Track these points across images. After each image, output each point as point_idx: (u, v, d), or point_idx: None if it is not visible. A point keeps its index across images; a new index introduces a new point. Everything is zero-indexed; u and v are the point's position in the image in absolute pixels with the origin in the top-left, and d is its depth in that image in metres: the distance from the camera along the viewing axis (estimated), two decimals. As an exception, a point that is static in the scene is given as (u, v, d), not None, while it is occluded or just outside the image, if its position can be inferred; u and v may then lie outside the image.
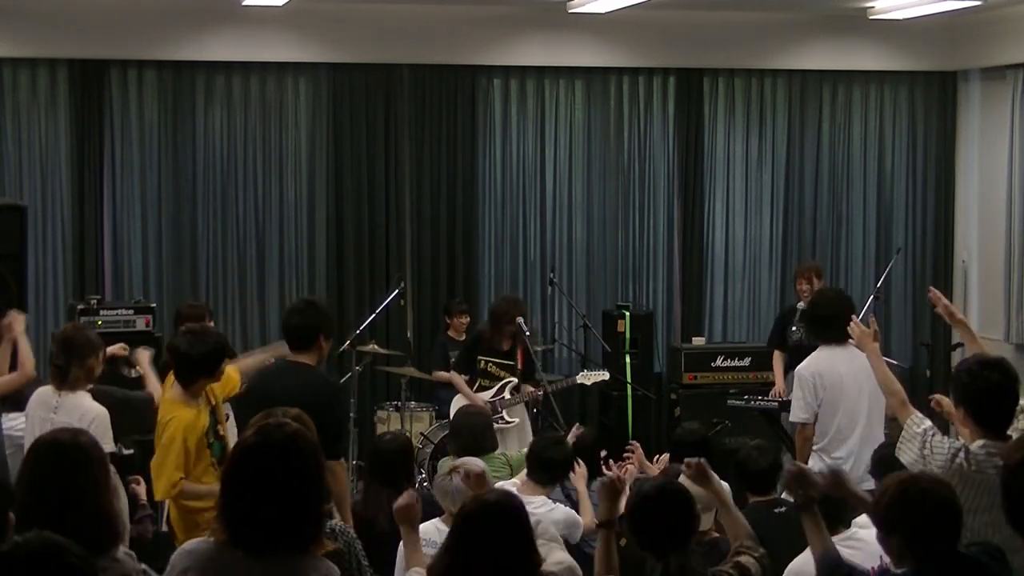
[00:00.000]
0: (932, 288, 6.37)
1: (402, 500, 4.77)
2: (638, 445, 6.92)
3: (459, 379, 8.99)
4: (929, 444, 4.79)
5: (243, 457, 3.46)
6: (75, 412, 5.93)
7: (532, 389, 8.95)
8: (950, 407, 5.22)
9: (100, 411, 5.99)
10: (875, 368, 5.48)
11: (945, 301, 5.99)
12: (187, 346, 5.79)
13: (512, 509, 3.91)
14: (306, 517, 3.40)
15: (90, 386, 6.27)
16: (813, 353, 7.03)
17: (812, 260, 10.52)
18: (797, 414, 7.01)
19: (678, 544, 4.19)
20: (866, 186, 11.64)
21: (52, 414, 5.98)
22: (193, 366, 5.79)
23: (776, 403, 9.52)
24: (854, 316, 6.04)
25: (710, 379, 10.73)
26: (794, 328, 9.50)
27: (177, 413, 5.74)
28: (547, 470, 6.21)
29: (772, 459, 6.28)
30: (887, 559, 5.18)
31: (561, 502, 6.22)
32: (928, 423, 4.92)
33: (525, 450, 7.23)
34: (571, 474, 6.42)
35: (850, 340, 5.90)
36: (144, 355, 7.04)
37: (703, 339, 11.18)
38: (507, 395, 8.85)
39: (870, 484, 6.07)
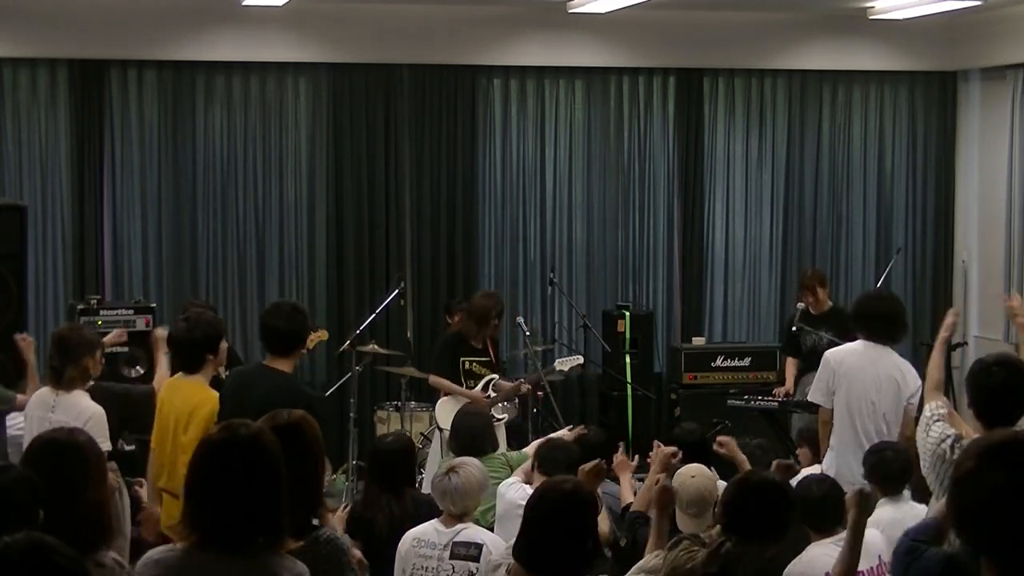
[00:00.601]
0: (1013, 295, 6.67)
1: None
2: (660, 445, 6.92)
3: (445, 381, 8.81)
4: (929, 427, 4.96)
5: (208, 453, 3.47)
6: (72, 411, 5.94)
7: (511, 384, 8.91)
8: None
9: (97, 410, 6.00)
10: (933, 352, 5.75)
11: (1015, 303, 6.15)
12: (187, 331, 5.89)
13: (585, 496, 4.01)
14: (271, 514, 3.40)
15: (91, 383, 6.28)
16: (849, 343, 7.10)
17: (813, 268, 10.41)
18: (814, 394, 7.10)
19: (771, 536, 4.23)
20: (866, 186, 11.63)
21: (50, 413, 5.99)
22: (197, 347, 5.86)
23: (776, 403, 9.53)
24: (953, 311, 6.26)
25: (710, 379, 10.74)
26: (795, 329, 9.51)
27: (210, 394, 5.80)
28: (559, 463, 6.22)
29: (775, 458, 6.29)
30: (886, 559, 5.20)
31: None
32: (943, 411, 5.05)
33: (525, 450, 7.25)
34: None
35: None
36: (161, 334, 6.90)
37: (703, 339, 11.18)
38: (491, 392, 8.82)
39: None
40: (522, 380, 9.01)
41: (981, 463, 2.66)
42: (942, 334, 5.81)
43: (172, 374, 6.12)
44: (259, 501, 3.38)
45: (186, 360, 5.91)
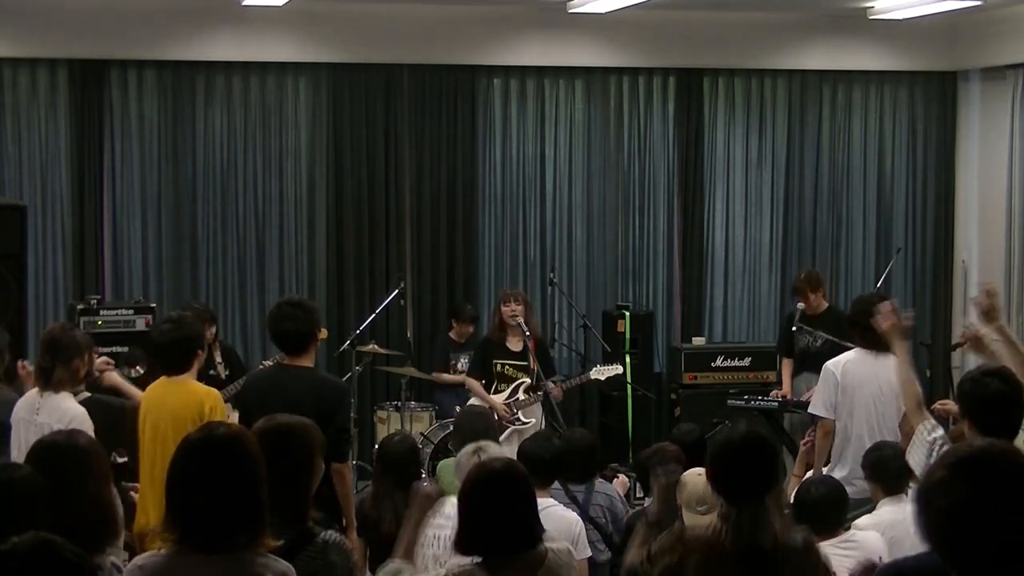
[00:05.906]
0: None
1: (429, 489, 4.81)
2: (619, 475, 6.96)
3: (475, 383, 9.00)
4: (937, 454, 4.84)
5: (186, 454, 3.51)
6: (55, 413, 5.88)
7: (551, 386, 8.92)
8: (954, 410, 5.26)
9: (80, 411, 5.93)
10: (898, 364, 5.63)
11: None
12: (172, 331, 6.02)
13: (517, 476, 4.02)
14: (251, 514, 3.43)
15: (87, 395, 6.26)
16: (845, 352, 7.07)
17: (807, 271, 10.14)
18: (815, 406, 7.07)
19: (757, 494, 4.21)
20: (866, 186, 11.63)
21: (35, 416, 5.93)
22: (182, 346, 5.99)
23: (776, 403, 9.54)
24: (889, 304, 6.05)
25: (710, 379, 10.74)
26: (795, 329, 9.51)
27: (208, 391, 5.93)
28: (539, 472, 6.20)
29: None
30: (885, 560, 5.20)
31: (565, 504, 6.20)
32: (940, 432, 4.98)
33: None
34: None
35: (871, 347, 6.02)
36: (112, 375, 7.02)
37: (703, 339, 11.18)
38: (521, 396, 8.87)
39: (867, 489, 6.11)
40: (546, 386, 8.93)
41: (950, 474, 2.58)
42: (902, 340, 5.62)
43: (153, 378, 6.16)
44: (238, 501, 3.41)
45: (174, 361, 5.93)
